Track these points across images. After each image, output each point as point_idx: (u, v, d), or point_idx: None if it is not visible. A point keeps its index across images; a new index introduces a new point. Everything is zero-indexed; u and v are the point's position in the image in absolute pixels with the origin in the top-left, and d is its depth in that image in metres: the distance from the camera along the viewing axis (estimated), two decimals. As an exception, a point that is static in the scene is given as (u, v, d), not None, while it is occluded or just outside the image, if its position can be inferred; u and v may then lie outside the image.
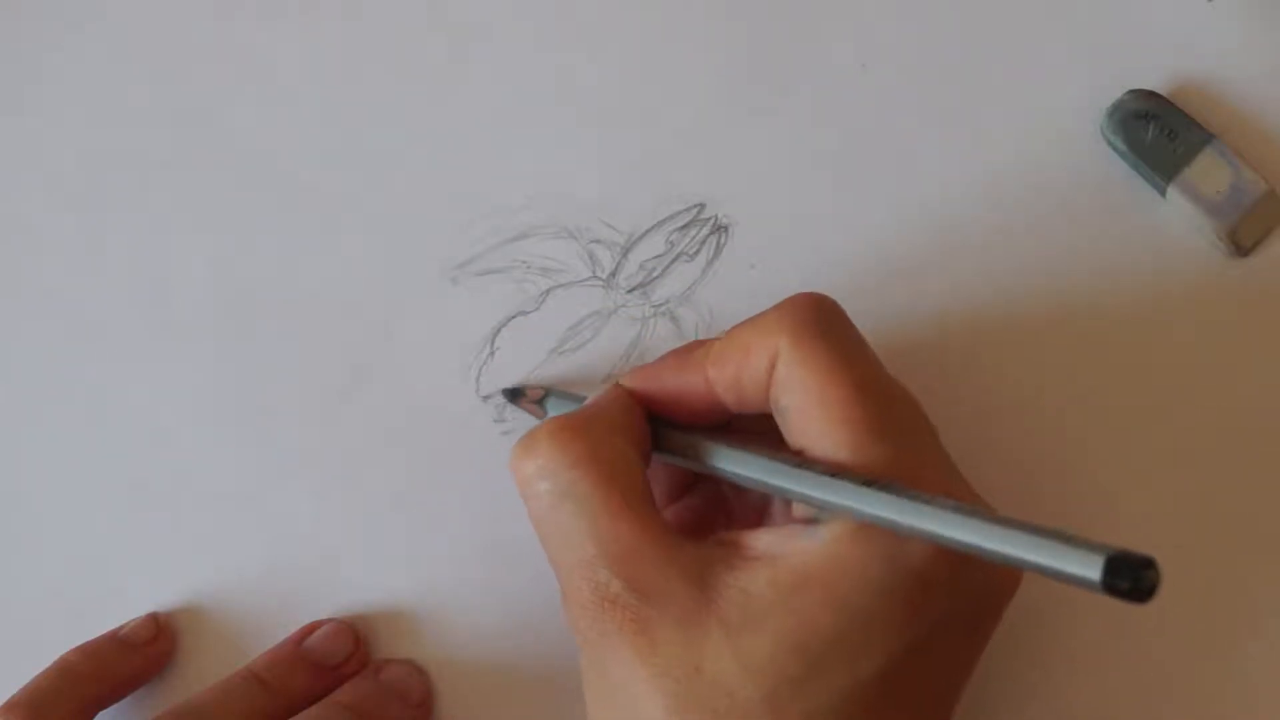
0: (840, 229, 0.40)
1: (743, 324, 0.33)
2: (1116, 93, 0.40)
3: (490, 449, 0.40)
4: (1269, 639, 0.37)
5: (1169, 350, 0.39)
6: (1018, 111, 0.40)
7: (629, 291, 0.41)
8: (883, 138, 0.41)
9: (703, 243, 0.41)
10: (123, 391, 0.41)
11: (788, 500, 0.33)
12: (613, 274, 0.41)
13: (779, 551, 0.30)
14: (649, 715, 0.30)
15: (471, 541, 0.39)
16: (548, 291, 0.41)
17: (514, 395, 0.39)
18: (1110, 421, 0.38)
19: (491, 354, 0.40)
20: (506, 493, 0.39)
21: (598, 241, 0.41)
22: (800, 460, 0.31)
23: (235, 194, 0.42)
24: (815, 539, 0.30)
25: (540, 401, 0.38)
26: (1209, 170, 0.39)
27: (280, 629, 0.39)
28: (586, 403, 0.35)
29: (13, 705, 0.36)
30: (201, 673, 0.39)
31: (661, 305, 0.40)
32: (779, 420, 0.32)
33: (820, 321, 0.32)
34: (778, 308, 0.32)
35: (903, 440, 0.31)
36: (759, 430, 0.33)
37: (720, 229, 0.41)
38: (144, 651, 0.39)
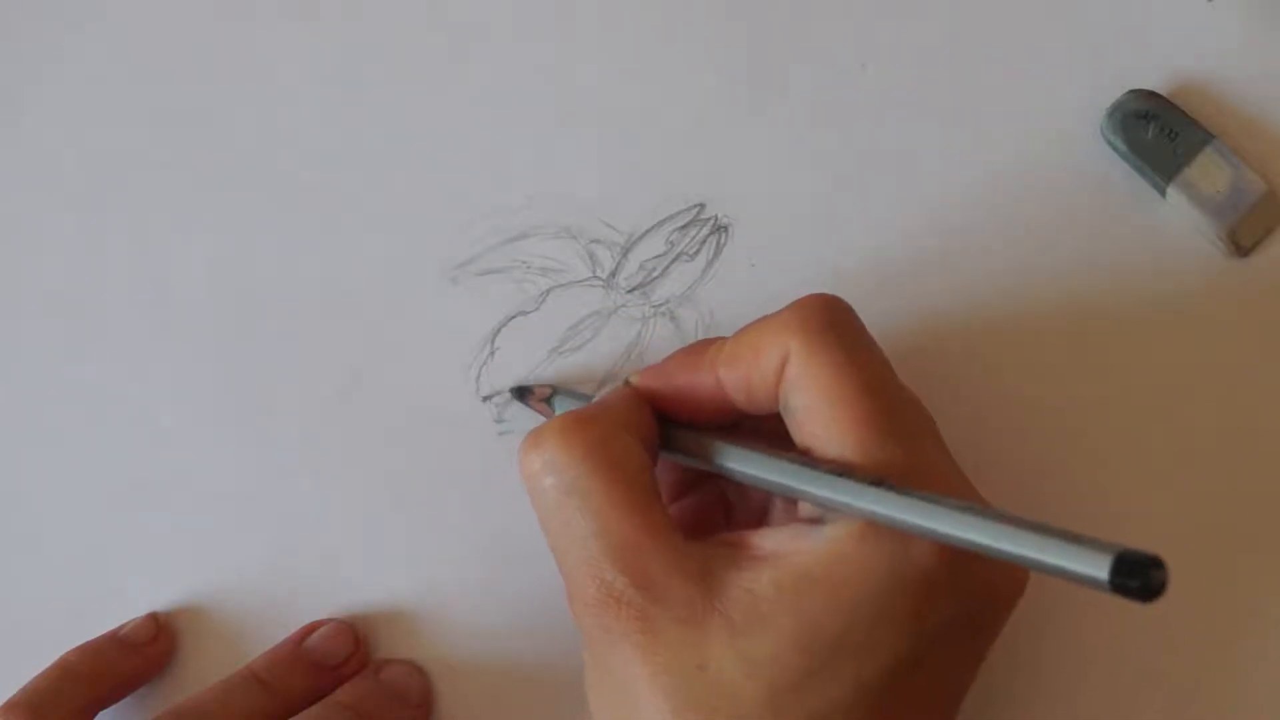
0: (840, 229, 0.40)
1: (753, 324, 0.33)
2: (1116, 93, 0.40)
3: (490, 449, 0.40)
4: (1270, 638, 0.37)
5: (1169, 350, 0.39)
6: (1018, 111, 0.40)
7: (629, 291, 0.41)
8: (883, 138, 0.41)
9: (703, 243, 0.41)
10: (123, 391, 0.41)
11: (790, 500, 0.33)
12: (613, 274, 0.41)
13: (784, 551, 0.30)
14: (651, 713, 0.30)
15: (471, 541, 0.39)
16: (548, 291, 0.41)
17: (521, 394, 0.39)
18: (1110, 421, 0.38)
19: (491, 354, 0.40)
20: (506, 493, 0.39)
21: (598, 241, 0.41)
22: (807, 460, 0.31)
23: (235, 194, 0.42)
24: (820, 538, 0.30)
25: (548, 400, 0.38)
26: (1209, 170, 0.39)
27: (280, 629, 0.39)
28: (595, 400, 0.35)
29: (12, 705, 0.36)
30: (201, 673, 0.39)
31: (661, 305, 0.40)
32: (787, 420, 0.32)
33: (832, 322, 0.32)
34: (789, 308, 0.32)
35: (910, 442, 0.31)
36: (765, 431, 0.33)
37: (720, 229, 0.41)
38: (144, 651, 0.39)
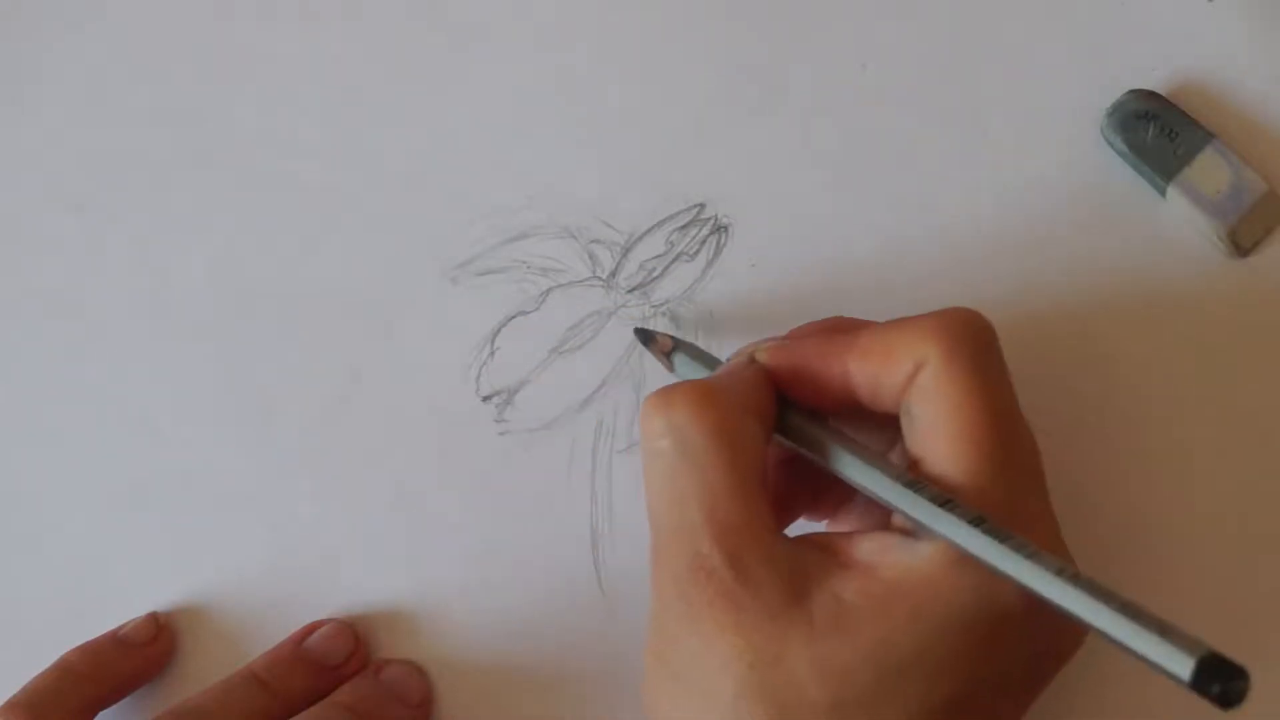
0: (840, 229, 0.40)
1: (892, 324, 0.32)
2: (1116, 93, 0.40)
3: (490, 449, 0.40)
4: (1270, 638, 0.37)
5: (1168, 350, 0.38)
6: (1018, 111, 0.40)
7: (629, 291, 0.41)
8: (883, 138, 0.41)
9: (703, 243, 0.41)
10: (123, 391, 0.41)
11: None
12: (613, 274, 0.41)
13: (876, 561, 0.30)
14: (717, 691, 0.30)
15: (471, 541, 0.39)
16: (548, 291, 0.41)
17: (646, 337, 0.38)
18: (1109, 421, 0.38)
19: (491, 354, 0.40)
20: (506, 492, 0.39)
21: (598, 241, 0.41)
22: (915, 478, 0.31)
23: (235, 194, 0.42)
24: (914, 555, 0.30)
25: (670, 354, 0.38)
26: (1209, 170, 0.39)
27: (280, 629, 0.39)
28: (722, 370, 0.35)
29: (13, 705, 0.36)
30: (201, 673, 0.39)
31: (661, 305, 0.40)
32: (905, 425, 0.32)
33: (973, 340, 0.31)
34: (933, 316, 0.32)
35: (1018, 483, 0.31)
36: (877, 421, 0.33)
37: (720, 229, 0.41)
38: (144, 651, 0.39)
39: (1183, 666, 0.25)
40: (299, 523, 0.40)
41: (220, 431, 0.41)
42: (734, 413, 0.32)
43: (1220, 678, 0.25)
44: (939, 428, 0.31)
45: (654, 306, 0.40)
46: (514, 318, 0.41)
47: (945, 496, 0.30)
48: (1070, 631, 0.32)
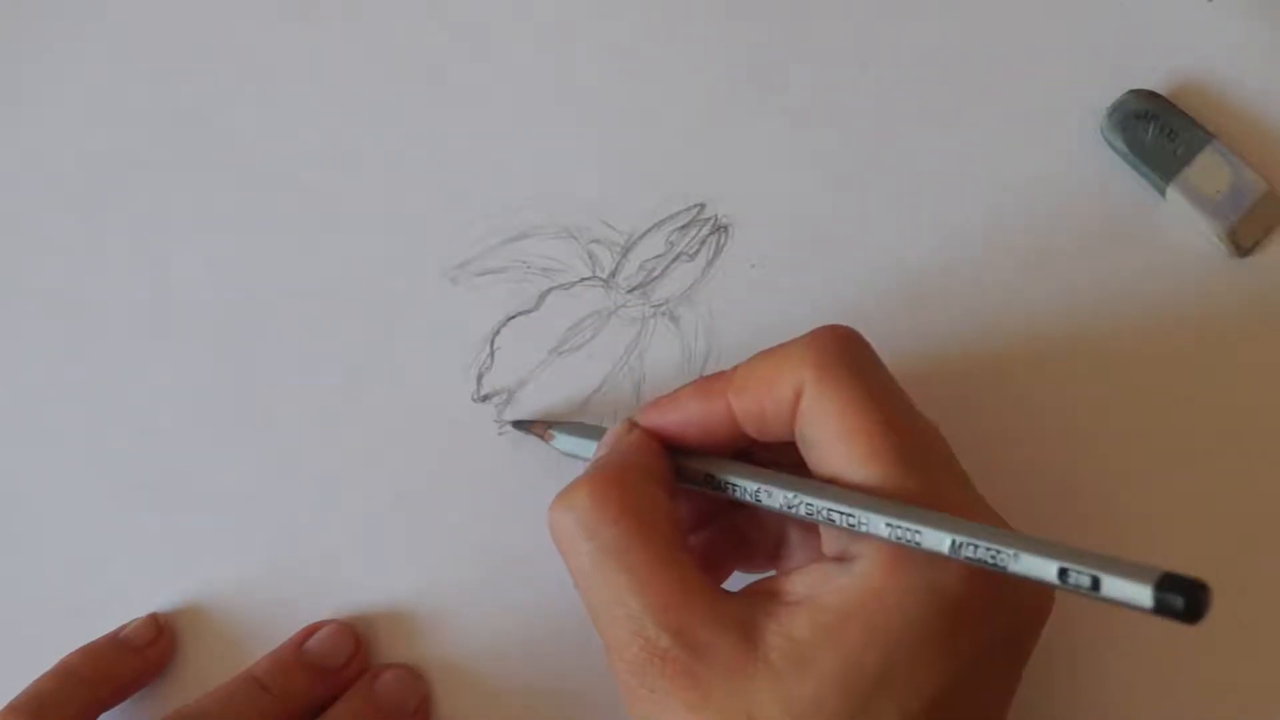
0: (840, 229, 0.40)
1: (765, 354, 0.33)
2: (1116, 93, 0.40)
3: (490, 449, 0.40)
4: (1271, 638, 0.37)
5: (1169, 351, 0.39)
6: (1018, 111, 0.40)
7: (629, 291, 0.41)
8: (883, 138, 0.41)
9: (703, 243, 0.41)
10: (123, 391, 0.41)
11: (807, 532, 0.33)
12: (613, 274, 0.41)
13: (816, 593, 0.30)
14: None
15: (471, 541, 0.39)
16: (548, 291, 0.41)
17: (521, 425, 0.39)
18: (1109, 421, 0.38)
19: (491, 354, 0.40)
20: (506, 492, 0.39)
21: (598, 241, 0.41)
22: (826, 485, 0.31)
23: (235, 194, 0.42)
24: (851, 575, 0.30)
25: (549, 434, 0.38)
26: (1209, 170, 0.39)
27: (281, 629, 0.39)
28: (607, 445, 0.35)
29: (14, 708, 0.36)
30: (202, 674, 0.39)
31: (661, 305, 0.40)
32: (804, 451, 0.32)
33: (845, 355, 0.32)
34: (802, 340, 0.32)
35: (930, 474, 0.31)
36: (778, 462, 0.33)
37: (720, 229, 0.41)
38: (145, 653, 0.39)
39: (1142, 592, 0.25)
40: (299, 523, 0.40)
41: (220, 431, 0.41)
42: (636, 488, 0.32)
43: (1180, 593, 0.25)
44: (833, 445, 0.31)
45: (654, 306, 0.40)
46: (514, 318, 0.41)
47: (859, 495, 0.30)
48: (1031, 600, 0.31)
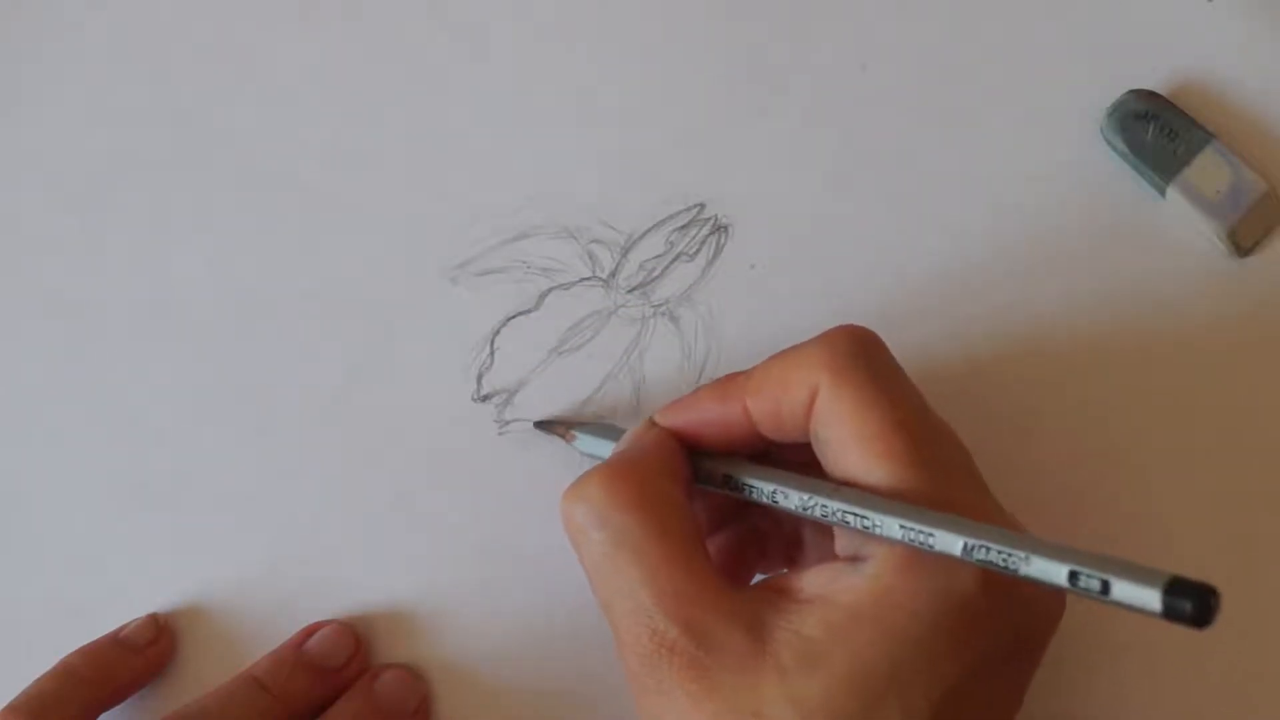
0: (840, 229, 0.40)
1: (781, 355, 0.33)
2: (1116, 93, 0.40)
3: (490, 449, 0.40)
4: (1271, 637, 0.37)
5: (1169, 351, 0.38)
6: (1018, 111, 0.40)
7: (629, 291, 0.41)
8: (883, 138, 0.41)
9: (703, 243, 0.41)
10: (123, 391, 0.41)
11: (823, 532, 0.34)
12: (613, 274, 0.41)
13: (828, 591, 0.30)
14: None
15: (471, 542, 0.39)
16: (548, 291, 0.41)
17: (544, 426, 0.39)
18: (1108, 420, 0.38)
19: (491, 354, 0.40)
20: (506, 493, 0.39)
21: (598, 241, 0.41)
22: (838, 485, 0.31)
23: (235, 194, 0.42)
24: (862, 575, 0.30)
25: (570, 436, 0.38)
26: (1209, 170, 0.39)
27: (280, 629, 0.39)
28: (627, 443, 0.35)
29: (14, 708, 0.36)
30: (202, 674, 0.39)
31: (661, 305, 0.40)
32: (819, 452, 0.32)
33: (860, 355, 0.32)
34: (817, 341, 0.32)
35: (943, 475, 0.31)
36: (794, 462, 0.33)
37: (720, 229, 0.41)
38: (145, 653, 0.39)
39: (1150, 596, 0.25)
40: (299, 523, 0.40)
41: (220, 431, 0.41)
42: (649, 481, 0.32)
43: (1190, 597, 0.25)
44: (848, 446, 0.31)
45: (654, 306, 0.40)
46: (514, 318, 0.41)
47: (872, 497, 0.30)
48: (1043, 605, 0.31)
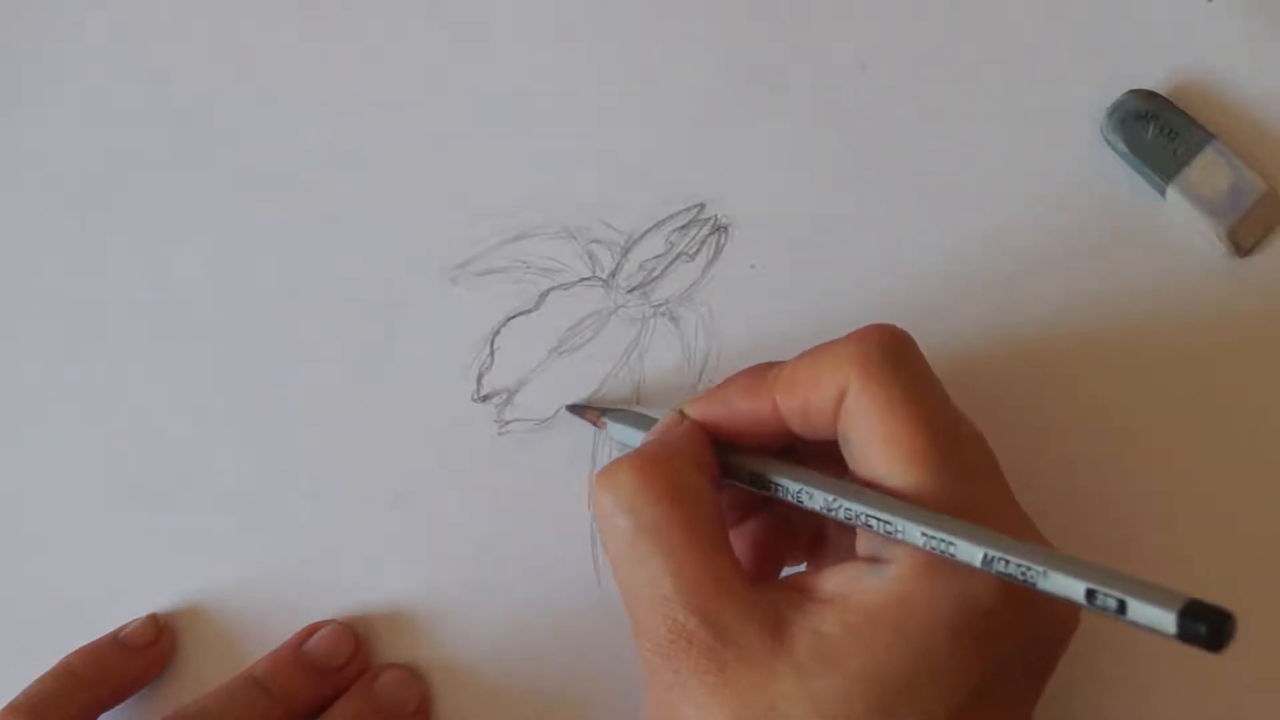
0: (840, 229, 0.40)
1: (812, 352, 0.33)
2: (1116, 93, 0.40)
3: (490, 449, 0.40)
4: (1271, 637, 0.37)
5: (1168, 351, 0.38)
6: (1018, 111, 0.40)
7: (629, 291, 0.41)
8: (883, 138, 0.41)
9: (703, 243, 0.41)
10: (123, 391, 0.41)
11: (846, 529, 0.34)
12: (613, 274, 0.41)
13: (847, 592, 0.30)
14: None
15: (471, 542, 0.39)
16: (548, 291, 0.41)
17: (576, 410, 0.39)
18: (1107, 420, 0.38)
19: (491, 354, 0.40)
20: (506, 493, 0.39)
21: (598, 241, 0.41)
22: (863, 487, 0.31)
23: (235, 194, 0.42)
24: (883, 578, 0.30)
25: (602, 420, 0.38)
26: (1209, 170, 0.39)
27: (280, 630, 0.39)
28: (657, 433, 0.35)
29: (14, 709, 0.36)
30: (202, 674, 0.39)
31: (661, 305, 0.40)
32: (845, 451, 0.32)
33: (890, 356, 0.32)
34: (849, 339, 0.32)
35: (968, 480, 0.31)
36: (821, 457, 0.34)
37: (720, 229, 0.41)
38: (145, 654, 0.39)
39: (1166, 618, 0.25)
40: (299, 523, 0.40)
41: (220, 432, 0.41)
42: (679, 472, 0.32)
43: (1205, 621, 0.25)
44: (874, 447, 0.31)
45: (654, 306, 0.40)
46: (514, 318, 0.41)
47: (898, 500, 0.30)
48: (1058, 616, 0.31)
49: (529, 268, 0.41)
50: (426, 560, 0.39)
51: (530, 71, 0.42)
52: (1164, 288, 0.39)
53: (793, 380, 0.33)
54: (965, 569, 0.29)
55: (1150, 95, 0.39)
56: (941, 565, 0.29)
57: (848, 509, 0.31)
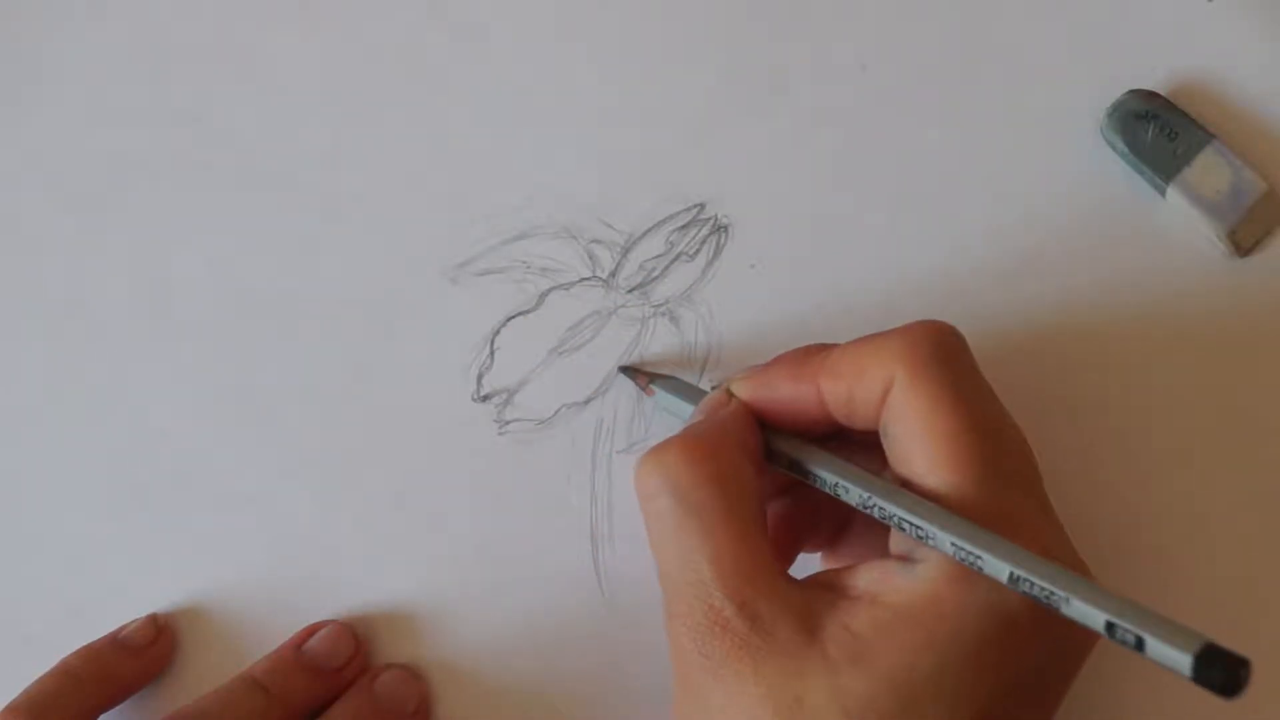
0: (840, 229, 0.40)
1: (861, 342, 0.33)
2: (1116, 93, 0.40)
3: (490, 449, 0.40)
4: (1272, 637, 0.37)
5: (1168, 351, 0.38)
6: (1018, 111, 0.40)
7: (629, 291, 0.41)
8: (882, 138, 0.41)
9: (703, 243, 0.41)
10: (123, 391, 0.41)
11: (871, 526, 0.34)
12: (613, 274, 0.41)
13: (879, 590, 0.30)
14: None
15: (471, 541, 0.39)
16: (548, 291, 0.41)
17: (628, 371, 0.39)
18: (1107, 421, 0.38)
19: (491, 354, 0.40)
20: (506, 493, 0.39)
21: (598, 241, 0.41)
22: (901, 490, 0.31)
23: (235, 194, 0.42)
24: (914, 578, 0.30)
25: (650, 386, 0.38)
26: (1209, 170, 0.39)
27: (280, 630, 0.39)
28: (704, 411, 0.35)
29: (14, 709, 0.36)
30: (202, 674, 0.39)
31: (661, 305, 0.40)
32: (886, 445, 0.32)
33: (939, 353, 0.32)
34: (898, 333, 0.32)
35: (1005, 488, 0.31)
36: (860, 445, 0.34)
37: (720, 229, 0.41)
38: (144, 654, 0.39)
39: (1182, 659, 0.26)
40: (299, 523, 0.40)
41: (220, 431, 0.41)
42: (728, 458, 0.32)
43: (1221, 667, 0.25)
44: (915, 445, 0.31)
45: (654, 306, 0.40)
46: (514, 318, 0.41)
47: (933, 506, 0.30)
48: (1080, 631, 0.31)
49: (529, 268, 0.41)
50: (426, 560, 0.39)
51: (530, 71, 0.42)
52: (1164, 288, 0.39)
53: (839, 368, 0.33)
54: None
55: (1150, 95, 0.39)
56: (971, 571, 0.29)
57: (882, 508, 0.31)
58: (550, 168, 0.41)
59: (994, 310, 0.39)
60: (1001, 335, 0.39)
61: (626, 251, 0.41)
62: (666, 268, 0.41)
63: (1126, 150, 0.39)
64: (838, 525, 0.36)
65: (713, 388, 0.36)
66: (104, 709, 0.37)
